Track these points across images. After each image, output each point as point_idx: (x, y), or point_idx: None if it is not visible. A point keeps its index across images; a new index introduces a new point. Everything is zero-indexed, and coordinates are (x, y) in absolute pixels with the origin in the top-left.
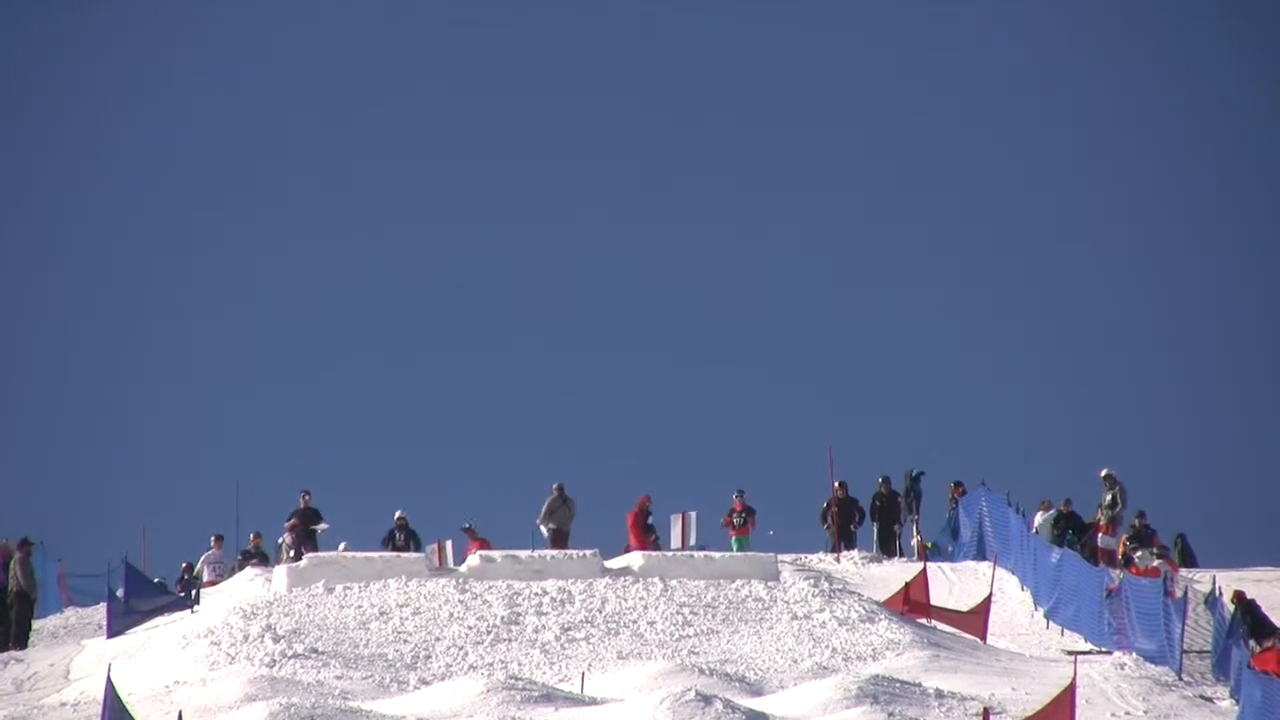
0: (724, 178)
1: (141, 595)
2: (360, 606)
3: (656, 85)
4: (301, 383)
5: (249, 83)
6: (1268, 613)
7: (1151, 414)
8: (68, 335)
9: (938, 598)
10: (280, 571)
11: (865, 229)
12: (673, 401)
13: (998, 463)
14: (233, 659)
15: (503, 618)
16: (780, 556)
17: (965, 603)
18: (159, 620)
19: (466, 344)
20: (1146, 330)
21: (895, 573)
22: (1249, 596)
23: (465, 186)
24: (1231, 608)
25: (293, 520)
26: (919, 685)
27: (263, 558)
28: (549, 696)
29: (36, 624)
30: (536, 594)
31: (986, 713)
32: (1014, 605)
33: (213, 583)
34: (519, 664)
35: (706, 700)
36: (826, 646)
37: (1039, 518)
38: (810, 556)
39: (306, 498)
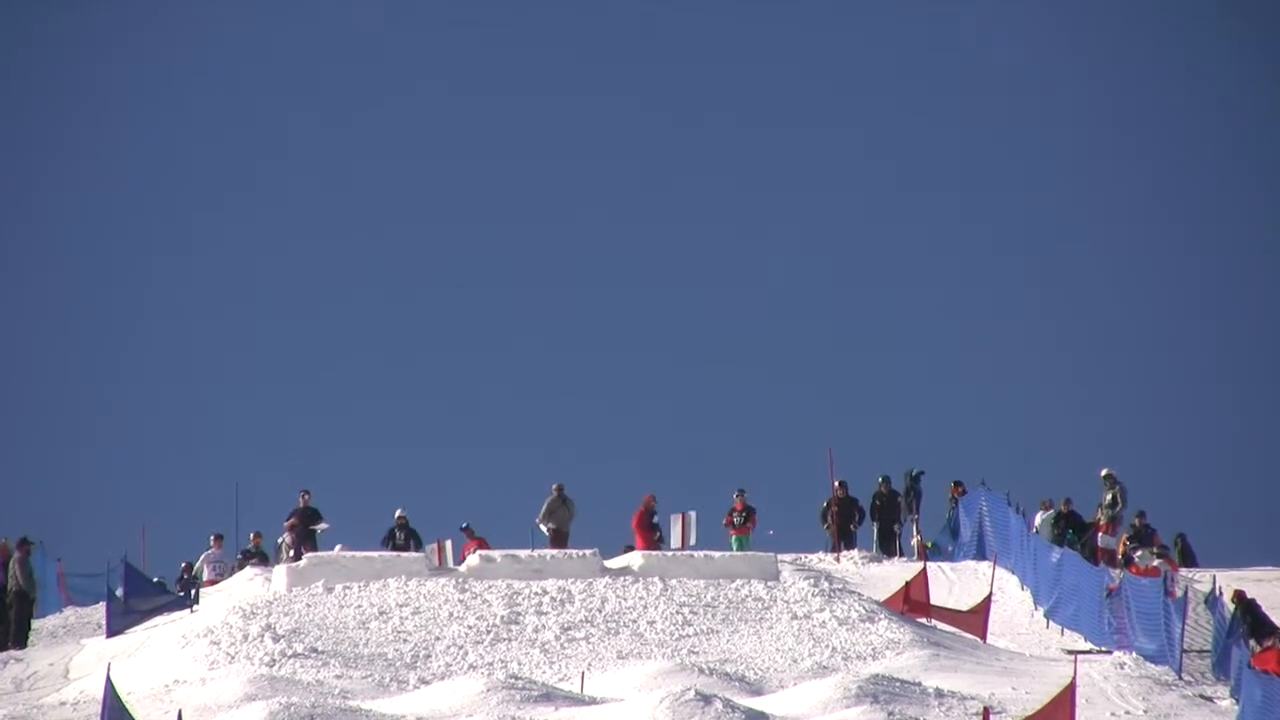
0: (724, 178)
1: (141, 595)
2: (360, 606)
3: (656, 85)
4: (301, 382)
5: (249, 83)
6: (1268, 612)
7: (1151, 414)
8: (68, 335)
9: (938, 597)
10: (280, 571)
11: (865, 229)
12: (673, 401)
13: (998, 462)
14: (232, 658)
15: (502, 617)
16: (780, 556)
17: (965, 602)
18: (158, 620)
19: (466, 344)
20: (1146, 330)
21: (895, 572)
22: (1249, 596)
23: (465, 186)
24: (1231, 607)
25: (292, 520)
26: (919, 685)
27: (263, 557)
28: (549, 696)
29: (36, 623)
30: (536, 593)
31: (986, 712)
32: (1014, 605)
33: (212, 582)
34: (519, 663)
35: (706, 700)
36: (826, 646)
37: (1039, 517)
38: (810, 556)
39: (306, 497)
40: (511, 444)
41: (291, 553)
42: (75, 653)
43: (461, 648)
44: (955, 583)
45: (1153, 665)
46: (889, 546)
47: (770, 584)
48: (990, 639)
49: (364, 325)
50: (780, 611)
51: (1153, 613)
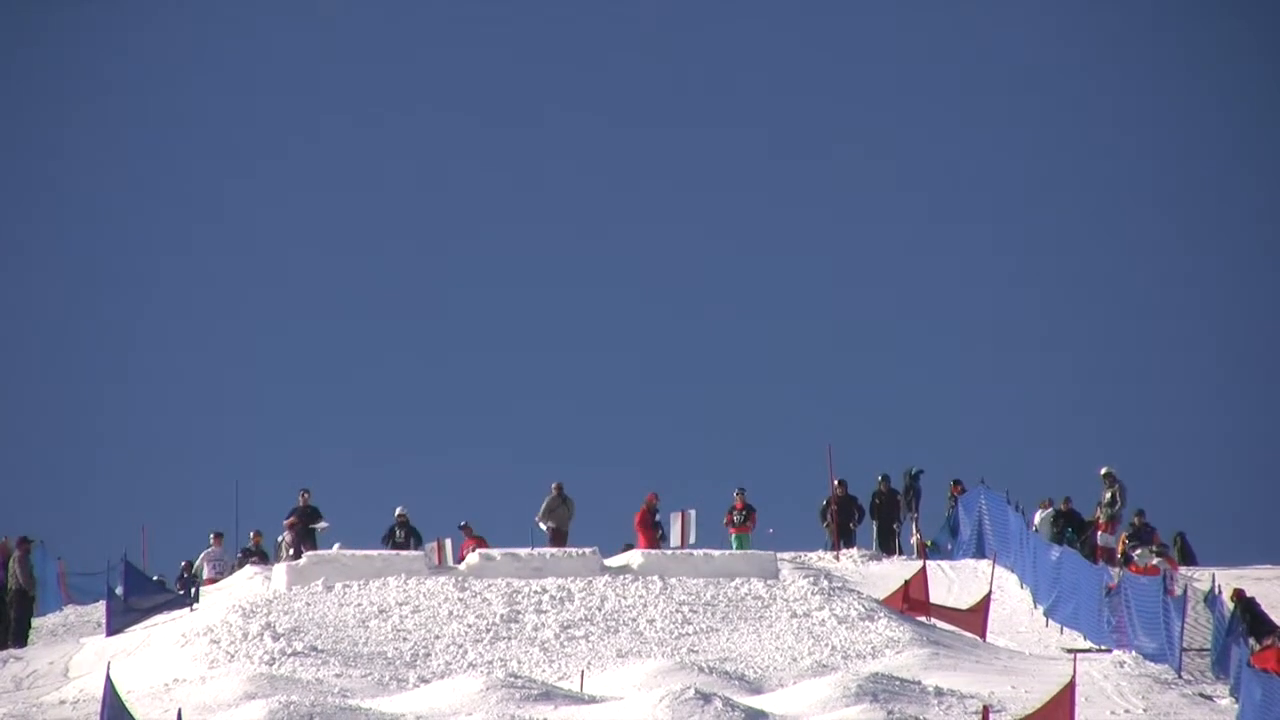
0: (724, 179)
1: (141, 593)
2: (360, 604)
3: (658, 88)
4: (301, 381)
5: (250, 84)
6: (1267, 611)
7: (1151, 413)
8: (68, 335)
9: (937, 596)
10: (280, 570)
11: (865, 229)
12: (673, 401)
13: (997, 461)
14: (232, 657)
15: (502, 616)
16: (780, 555)
17: (965, 601)
18: (158, 618)
19: (466, 344)
20: (1146, 330)
21: (895, 571)
22: (1248, 594)
23: (464, 189)
24: (1231, 606)
25: (292, 519)
26: (918, 683)
27: (262, 556)
28: (548, 695)
29: (36, 622)
30: (536, 592)
31: (986, 711)
32: (1013, 603)
33: (212, 580)
34: (518, 662)
35: (706, 698)
36: (826, 644)
37: (1038, 516)
38: (810, 554)
39: (306, 496)
40: (511, 444)
41: (291, 551)
42: (75, 651)
43: (461, 646)
44: (955, 581)
45: (1152, 664)
46: (888, 545)
47: (770, 582)
48: (990, 637)
49: (364, 325)
50: (780, 610)
51: (1152, 611)
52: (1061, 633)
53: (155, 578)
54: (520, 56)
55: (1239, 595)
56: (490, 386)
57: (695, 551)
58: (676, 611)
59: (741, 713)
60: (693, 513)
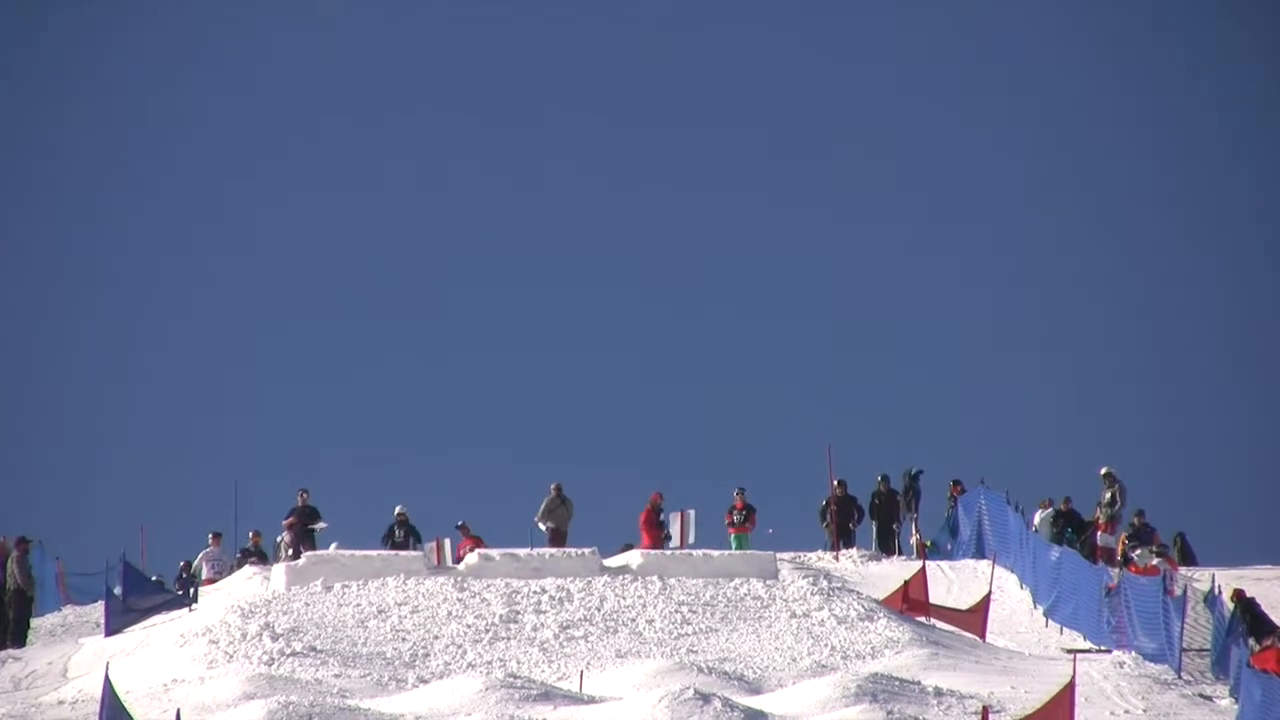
0: (725, 180)
1: (140, 593)
2: (359, 605)
3: (658, 88)
4: (300, 381)
5: (250, 84)
6: (1267, 611)
7: (1151, 413)
8: (68, 335)
9: (937, 596)
10: (279, 570)
11: (865, 229)
12: (673, 401)
13: (997, 461)
14: (231, 657)
15: (501, 616)
16: (779, 555)
17: (964, 601)
18: (157, 619)
19: (466, 344)
20: (1146, 330)
21: (894, 571)
22: (1248, 595)
23: (464, 189)
24: (1231, 606)
25: (291, 519)
26: (918, 683)
27: (261, 556)
28: (547, 695)
29: (34, 622)
30: (535, 592)
31: (985, 711)
32: (1013, 603)
33: (211, 580)
34: (517, 662)
35: (705, 698)
36: (825, 645)
37: (1038, 516)
38: (809, 555)
39: (304, 496)
40: (511, 444)
41: (290, 551)
42: (74, 651)
43: (460, 646)
44: (954, 581)
45: (1152, 664)
46: (888, 545)
47: (769, 583)
48: (989, 638)
49: (364, 325)
50: (779, 610)
51: (1152, 612)
52: (1061, 633)
53: (154, 578)
54: (520, 56)
55: (1239, 595)
56: (490, 386)
57: (694, 552)
58: (676, 612)
59: (741, 713)
60: (692, 512)
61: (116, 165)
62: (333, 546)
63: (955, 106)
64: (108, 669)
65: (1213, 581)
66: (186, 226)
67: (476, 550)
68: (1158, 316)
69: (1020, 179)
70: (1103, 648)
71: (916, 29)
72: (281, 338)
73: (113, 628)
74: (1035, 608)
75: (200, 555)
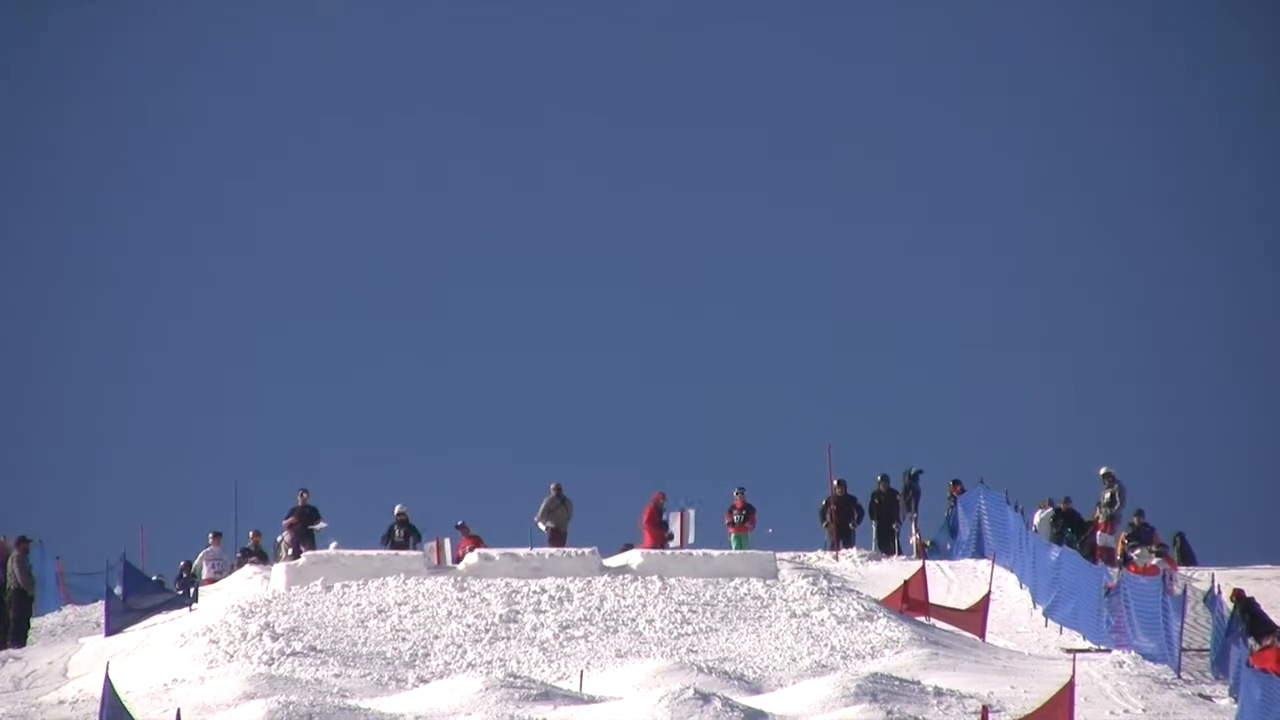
0: (725, 180)
1: (140, 593)
2: (359, 604)
3: (658, 88)
4: (300, 381)
5: (250, 84)
6: (1267, 611)
7: (1151, 413)
8: (68, 335)
9: (936, 596)
10: (279, 570)
11: (865, 229)
12: (673, 401)
13: (997, 461)
14: (231, 657)
15: (501, 616)
16: (779, 554)
17: (964, 601)
18: (157, 618)
19: (465, 344)
20: (1146, 330)
21: (894, 571)
22: (1248, 594)
23: (464, 189)
24: (1230, 606)
25: (291, 519)
26: (918, 683)
27: (262, 556)
28: (547, 695)
29: (35, 622)
30: (535, 592)
31: (985, 711)
32: (1013, 603)
33: (211, 580)
34: (517, 662)
35: (705, 698)
36: (825, 644)
37: (1038, 516)
38: (809, 554)
39: (305, 496)
40: (511, 443)
41: (290, 551)
42: (74, 651)
43: (460, 646)
44: (954, 581)
45: (1151, 664)
46: (888, 545)
47: (769, 582)
48: (989, 637)
49: (364, 325)
50: (779, 610)
51: (1151, 611)
52: (1061, 633)
53: (154, 578)
54: (520, 56)
55: (1238, 595)
56: (490, 386)
57: (694, 551)
58: (676, 611)
59: (741, 713)
60: (691, 512)
61: (116, 165)
62: (332, 545)
63: (955, 106)
64: (108, 669)
65: (1212, 581)
66: (186, 226)
67: (476, 550)
68: (1158, 316)
69: (1020, 179)
70: (1102, 647)
71: (916, 29)
72: (281, 338)
73: (113, 627)
74: (1035, 607)
75: (200, 555)
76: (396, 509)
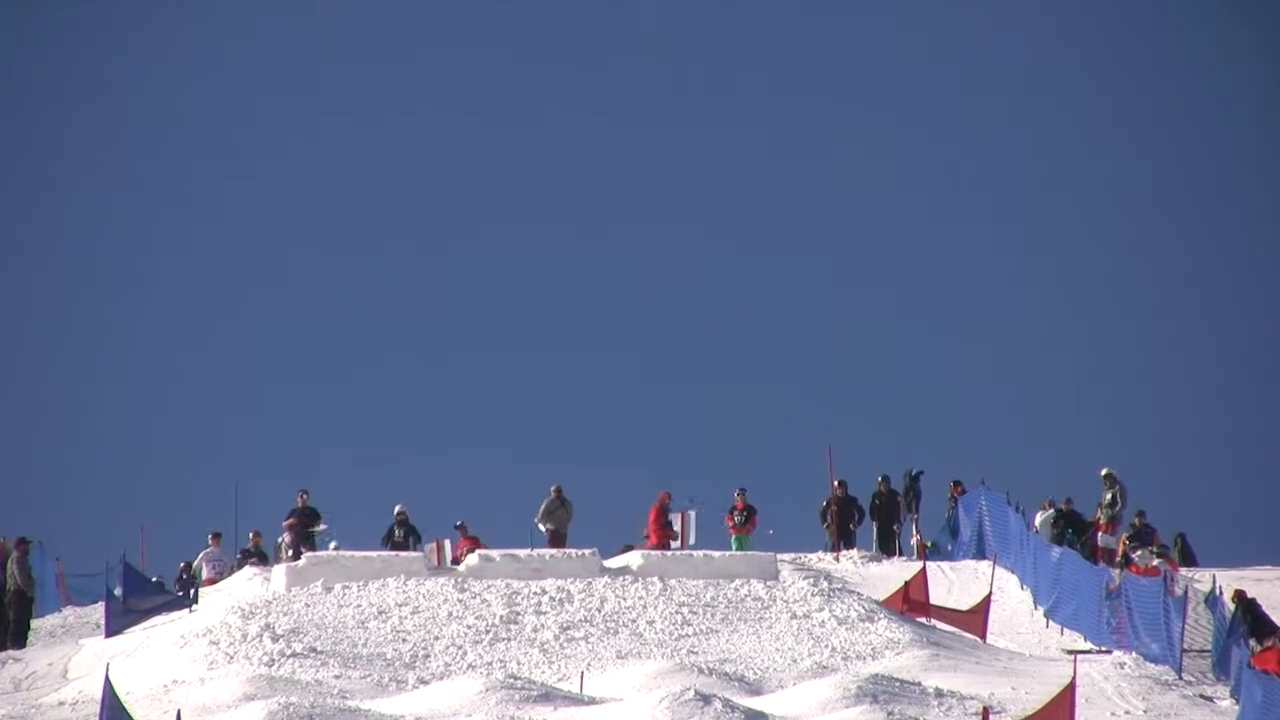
0: (725, 180)
1: (140, 594)
2: (359, 606)
3: (658, 88)
4: (300, 382)
5: (250, 85)
6: (1268, 612)
7: (1151, 414)
8: (68, 335)
9: (937, 597)
10: (279, 571)
11: (865, 229)
12: (673, 401)
13: (997, 462)
14: (231, 658)
15: (501, 617)
16: (779, 556)
17: (965, 602)
18: (157, 620)
19: (465, 345)
20: (1146, 330)
21: (895, 572)
22: (1249, 596)
23: (464, 189)
24: (1232, 607)
25: (291, 520)
26: (918, 684)
27: (262, 557)
28: (548, 696)
29: (35, 623)
30: (535, 593)
31: (986, 712)
32: (1014, 604)
33: (211, 580)
34: (518, 663)
35: (705, 699)
36: (826, 646)
37: (1039, 517)
38: (810, 556)
39: (305, 497)
40: (511, 443)
41: (290, 552)
42: (74, 653)
43: (460, 647)
44: (955, 582)
45: (1153, 665)
46: (888, 546)
47: (770, 583)
48: (990, 639)
49: (364, 325)
50: (780, 611)
51: (1153, 612)
52: (1062, 634)
53: (154, 579)
54: (520, 56)
55: (1240, 596)
56: (490, 386)
57: (695, 552)
58: (676, 613)
59: (741, 714)
60: (692, 512)
61: (116, 165)
62: (332, 546)
63: (955, 106)
64: (108, 670)
65: (1213, 582)
66: (186, 226)
67: (477, 551)
68: (1158, 316)
69: (1020, 179)
70: (1103, 648)
71: (916, 29)
72: (281, 338)
73: (113, 629)
74: (1036, 608)
75: (200, 556)
76: (396, 509)
